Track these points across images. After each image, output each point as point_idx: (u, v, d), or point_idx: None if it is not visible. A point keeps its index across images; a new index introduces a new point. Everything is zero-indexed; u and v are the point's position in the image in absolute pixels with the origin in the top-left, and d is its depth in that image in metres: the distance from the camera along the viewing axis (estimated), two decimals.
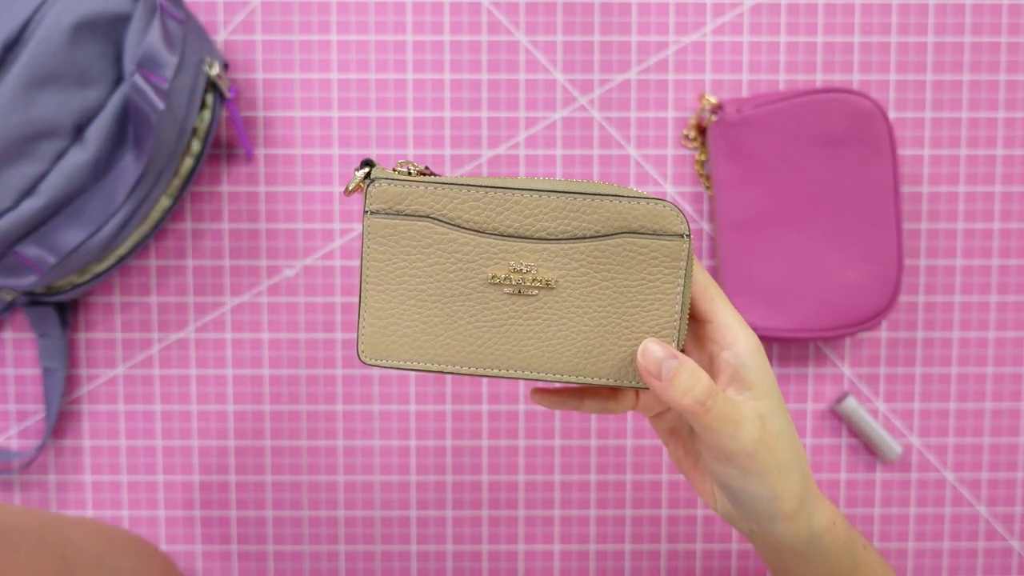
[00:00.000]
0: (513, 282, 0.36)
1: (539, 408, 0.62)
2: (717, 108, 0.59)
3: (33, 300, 0.58)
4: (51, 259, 0.52)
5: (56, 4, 0.49)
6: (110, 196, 0.52)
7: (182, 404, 0.62)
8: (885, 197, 0.58)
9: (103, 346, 0.62)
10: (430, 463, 0.62)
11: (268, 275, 0.62)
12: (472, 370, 0.37)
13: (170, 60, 0.52)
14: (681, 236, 0.36)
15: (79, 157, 0.51)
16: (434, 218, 0.36)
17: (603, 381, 0.37)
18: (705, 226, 0.62)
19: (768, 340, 0.60)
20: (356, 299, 0.33)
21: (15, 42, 0.49)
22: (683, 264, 0.36)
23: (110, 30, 0.51)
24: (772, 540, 0.40)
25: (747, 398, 0.37)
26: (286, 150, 0.61)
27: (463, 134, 0.61)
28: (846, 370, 0.62)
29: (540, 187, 0.36)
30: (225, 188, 0.62)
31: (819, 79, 0.61)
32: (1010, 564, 0.63)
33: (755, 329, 0.58)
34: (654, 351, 0.36)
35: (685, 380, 0.35)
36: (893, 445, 0.61)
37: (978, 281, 0.62)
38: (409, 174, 0.37)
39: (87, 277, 0.56)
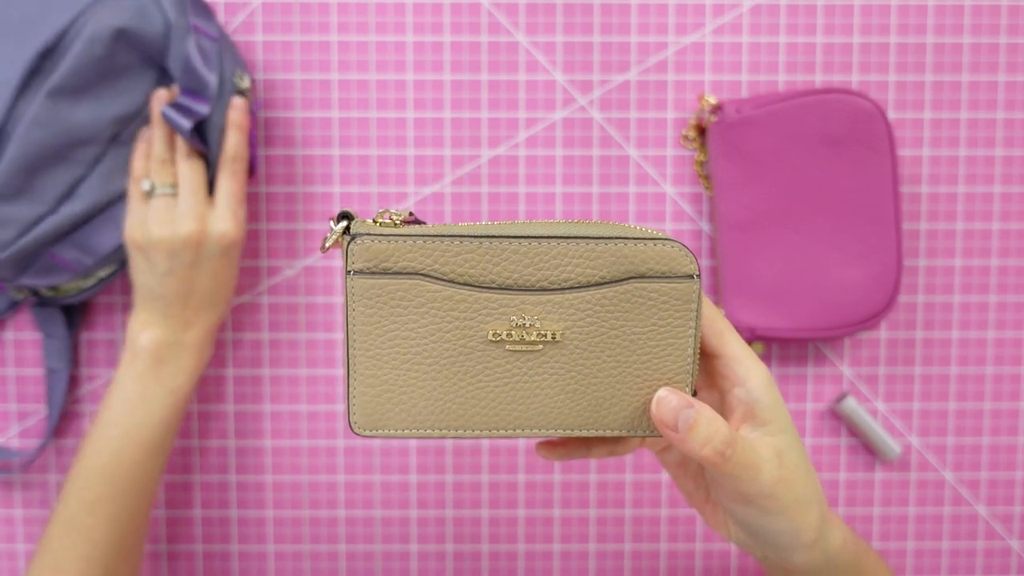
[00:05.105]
0: (516, 338, 0.34)
1: None
2: (717, 108, 0.59)
3: (41, 301, 0.58)
4: (88, 260, 0.54)
5: (94, 16, 0.51)
6: None
7: None
8: (884, 197, 0.58)
9: (104, 346, 0.62)
10: (430, 463, 0.63)
11: (268, 275, 0.62)
12: (476, 433, 0.35)
13: (210, 78, 0.53)
14: (692, 277, 0.34)
15: (116, 161, 0.53)
16: (425, 274, 0.33)
17: (616, 432, 0.35)
18: (705, 226, 0.62)
19: (768, 340, 0.60)
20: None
21: (52, 51, 0.50)
22: (695, 306, 0.34)
23: (147, 42, 0.52)
24: (786, 565, 0.39)
25: (762, 434, 0.36)
26: (286, 150, 0.61)
27: (463, 135, 0.61)
28: (845, 370, 0.63)
29: (539, 233, 0.34)
30: None
31: (819, 79, 0.61)
32: (1009, 564, 0.63)
33: (755, 329, 0.58)
34: (669, 401, 0.34)
35: (703, 430, 0.34)
36: (892, 445, 0.61)
37: (977, 281, 0.62)
38: (394, 225, 0.34)
39: (92, 282, 0.57)
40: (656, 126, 0.61)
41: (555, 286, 0.34)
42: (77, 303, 0.60)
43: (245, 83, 0.55)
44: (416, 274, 0.34)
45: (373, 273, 0.34)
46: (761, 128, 0.58)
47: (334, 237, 0.34)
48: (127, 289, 0.62)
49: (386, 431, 0.35)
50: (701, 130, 0.61)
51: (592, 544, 0.63)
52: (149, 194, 0.53)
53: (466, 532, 0.63)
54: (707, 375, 0.38)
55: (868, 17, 0.61)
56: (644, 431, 0.35)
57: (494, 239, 0.33)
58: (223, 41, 0.55)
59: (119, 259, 0.56)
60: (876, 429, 0.61)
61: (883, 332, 0.62)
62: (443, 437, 0.35)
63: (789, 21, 0.61)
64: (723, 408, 0.37)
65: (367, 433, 0.35)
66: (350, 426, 0.35)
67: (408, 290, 0.34)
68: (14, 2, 0.52)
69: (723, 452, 0.34)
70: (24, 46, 0.51)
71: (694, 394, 0.36)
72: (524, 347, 0.34)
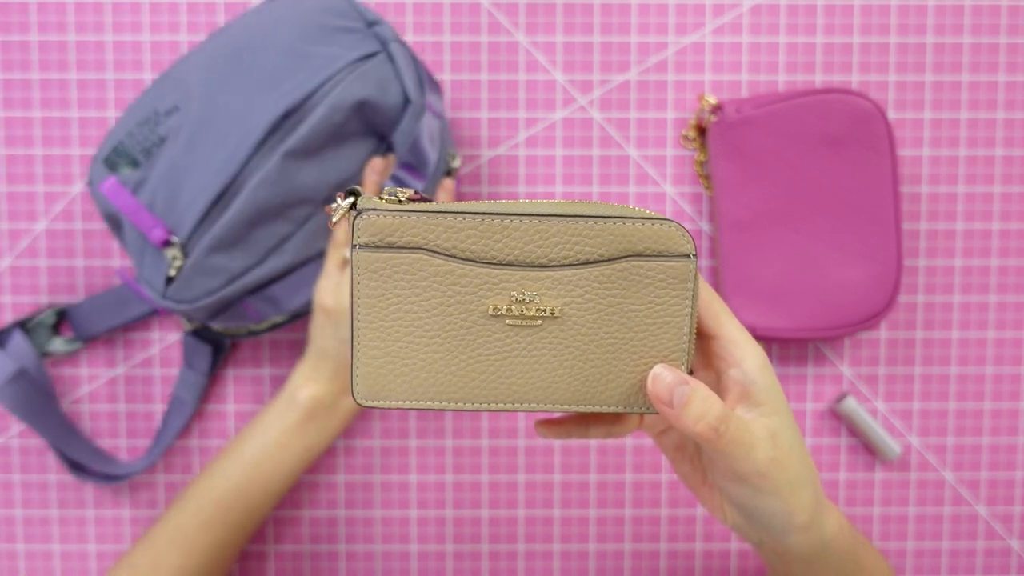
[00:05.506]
0: (515, 313, 0.35)
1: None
2: (717, 108, 0.59)
3: (196, 332, 0.59)
4: (273, 313, 0.55)
5: (340, 84, 0.51)
6: None
7: None
8: (884, 197, 0.58)
9: (103, 346, 0.62)
10: (430, 463, 0.63)
11: None
12: (475, 406, 0.36)
13: (432, 156, 0.54)
14: (688, 256, 0.35)
15: (321, 222, 0.53)
16: (428, 249, 0.34)
17: (612, 409, 0.36)
18: (705, 226, 0.62)
19: (768, 340, 0.60)
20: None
21: (294, 112, 0.51)
22: (691, 285, 0.35)
23: (381, 114, 0.53)
24: (782, 550, 0.40)
25: (757, 415, 0.36)
26: None
27: (463, 134, 0.61)
28: (845, 370, 0.63)
29: (539, 211, 0.34)
30: None
31: (819, 79, 0.61)
32: (1009, 564, 0.63)
33: (755, 329, 0.59)
34: (664, 377, 0.35)
35: (697, 406, 0.34)
36: (892, 445, 0.61)
37: (977, 281, 0.62)
38: (398, 201, 0.35)
39: (265, 327, 0.57)
40: (656, 126, 0.61)
41: (554, 263, 0.35)
42: (228, 343, 0.61)
43: (456, 163, 0.56)
44: (419, 249, 0.34)
45: (378, 247, 0.34)
46: (761, 128, 0.58)
47: (341, 212, 0.35)
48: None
49: (387, 402, 0.36)
50: (701, 130, 0.61)
51: (592, 544, 0.63)
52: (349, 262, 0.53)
53: (466, 532, 0.63)
54: (704, 356, 0.39)
55: (868, 17, 0.61)
56: (640, 407, 0.36)
57: (496, 216, 0.34)
58: (444, 120, 0.55)
59: (297, 311, 0.56)
60: (876, 429, 0.61)
61: (883, 332, 0.62)
62: (443, 409, 0.36)
63: (789, 21, 0.61)
64: (719, 389, 0.38)
65: (368, 403, 0.35)
66: (353, 396, 0.36)
67: (411, 264, 0.35)
68: (267, 56, 0.51)
69: (716, 428, 0.34)
70: (268, 101, 0.50)
71: (690, 372, 0.37)
72: (523, 322, 0.35)
